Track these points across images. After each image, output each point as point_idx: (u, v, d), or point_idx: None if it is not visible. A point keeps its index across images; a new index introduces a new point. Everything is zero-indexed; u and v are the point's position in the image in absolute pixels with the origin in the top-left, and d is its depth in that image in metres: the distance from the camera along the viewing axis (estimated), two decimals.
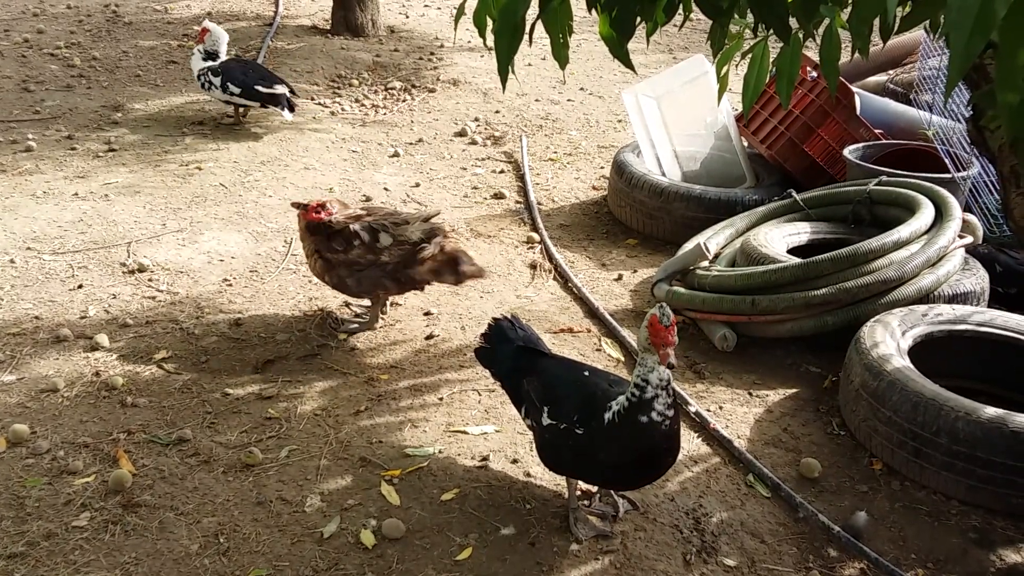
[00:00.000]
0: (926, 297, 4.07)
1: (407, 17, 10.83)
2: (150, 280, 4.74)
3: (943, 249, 4.15)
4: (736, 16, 2.60)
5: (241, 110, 7.11)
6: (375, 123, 7.49)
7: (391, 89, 8.32)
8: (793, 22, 2.31)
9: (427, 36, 10.04)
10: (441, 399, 3.87)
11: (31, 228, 5.21)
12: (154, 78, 8.11)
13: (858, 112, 5.64)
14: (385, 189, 6.14)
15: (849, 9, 2.27)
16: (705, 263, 4.60)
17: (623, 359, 4.23)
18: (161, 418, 3.65)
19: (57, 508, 3.13)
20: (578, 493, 3.20)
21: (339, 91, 8.20)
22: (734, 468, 3.49)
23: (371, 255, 4.11)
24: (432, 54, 9.39)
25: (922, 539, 3.15)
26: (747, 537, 3.13)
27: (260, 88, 6.71)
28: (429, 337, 4.35)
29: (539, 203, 6.05)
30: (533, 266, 5.16)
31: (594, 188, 6.42)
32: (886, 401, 3.40)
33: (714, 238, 4.80)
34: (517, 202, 6.11)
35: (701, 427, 3.71)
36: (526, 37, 2.58)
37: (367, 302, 4.48)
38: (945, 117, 5.46)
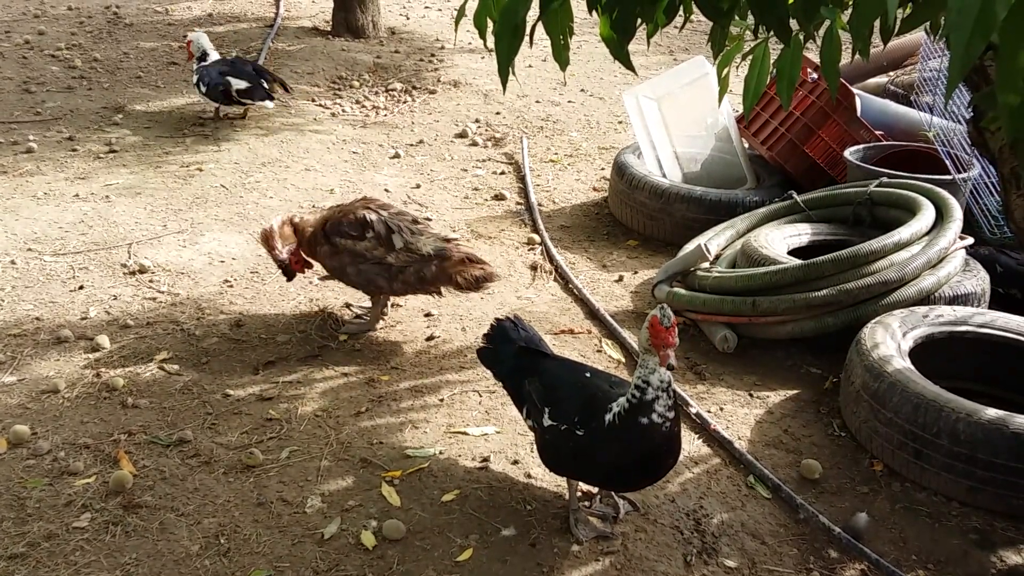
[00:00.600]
0: (927, 298, 4.07)
1: (408, 19, 10.84)
2: (151, 281, 4.74)
3: (944, 250, 4.15)
4: (737, 18, 2.60)
5: (239, 108, 7.16)
6: (376, 124, 7.50)
7: (392, 90, 8.33)
8: (793, 23, 2.31)
9: (428, 38, 10.05)
10: (442, 400, 3.87)
11: (32, 229, 5.21)
12: (155, 79, 8.11)
13: (859, 113, 5.64)
14: (386, 190, 6.14)
15: (850, 11, 2.27)
16: (706, 264, 4.60)
17: (624, 360, 4.23)
18: (162, 419, 3.65)
19: (58, 509, 3.13)
20: (579, 494, 3.20)
21: (340, 92, 8.20)
22: (735, 469, 3.49)
23: (379, 251, 4.10)
24: (433, 55, 9.40)
25: (923, 540, 3.15)
26: (748, 538, 3.13)
27: (222, 88, 6.82)
28: (430, 338, 4.35)
29: (540, 204, 6.05)
30: (534, 267, 5.16)
31: (595, 189, 6.42)
32: (887, 402, 3.40)
33: (715, 239, 4.80)
34: (518, 203, 6.11)
35: (702, 428, 3.71)
36: (527, 39, 2.59)
37: (368, 303, 4.48)
38: (946, 118, 5.46)
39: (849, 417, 3.70)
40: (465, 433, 3.64)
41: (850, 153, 5.29)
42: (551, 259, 5.24)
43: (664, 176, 5.79)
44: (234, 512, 3.15)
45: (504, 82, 2.59)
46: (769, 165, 5.92)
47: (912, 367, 3.53)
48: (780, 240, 4.64)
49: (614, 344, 4.35)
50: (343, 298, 4.63)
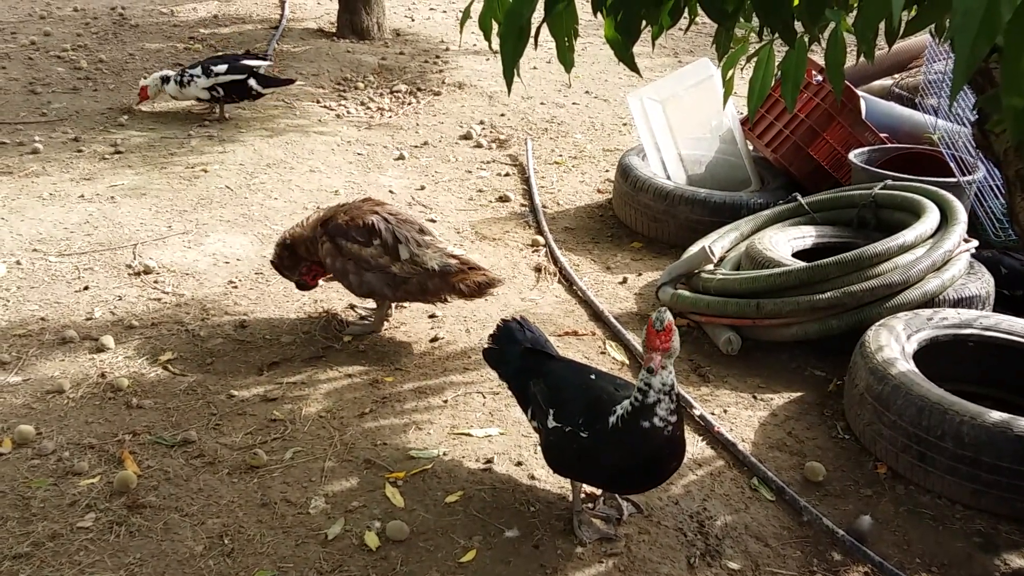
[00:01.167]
0: (931, 301, 4.06)
1: (412, 20, 10.85)
2: (156, 282, 4.75)
3: (948, 253, 4.15)
4: (741, 20, 2.60)
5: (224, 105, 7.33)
6: (380, 126, 7.50)
7: (396, 92, 8.34)
8: (798, 26, 2.32)
9: (432, 39, 10.06)
10: (446, 401, 3.87)
11: (37, 230, 5.22)
12: None
13: (863, 116, 5.65)
14: (390, 192, 6.15)
15: (854, 13, 2.27)
16: (710, 266, 4.60)
17: (627, 362, 4.23)
18: (166, 419, 3.66)
19: (62, 509, 3.14)
20: (582, 496, 3.20)
21: (344, 94, 8.22)
22: (738, 471, 3.48)
23: (384, 259, 4.10)
24: (437, 57, 9.41)
25: (926, 543, 3.15)
26: (751, 540, 3.13)
27: (246, 62, 7.00)
28: (434, 339, 4.36)
29: (544, 206, 6.06)
30: (538, 269, 5.16)
31: (599, 191, 6.43)
32: (891, 405, 3.40)
33: (719, 242, 4.80)
34: (522, 205, 6.11)
35: (705, 430, 3.71)
36: (531, 40, 2.59)
37: (372, 304, 4.48)
38: (950, 121, 5.46)
39: (853, 420, 3.70)
40: (469, 434, 3.64)
41: (855, 155, 5.29)
42: (555, 261, 5.24)
43: (668, 178, 5.80)
44: (238, 512, 3.16)
45: (509, 84, 2.59)
46: (773, 167, 5.92)
47: (916, 370, 3.53)
48: (784, 242, 4.64)
49: (618, 346, 4.36)
50: (347, 299, 4.63)
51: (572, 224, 5.88)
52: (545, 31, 2.50)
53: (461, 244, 5.39)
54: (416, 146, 7.09)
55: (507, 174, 6.64)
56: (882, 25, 2.21)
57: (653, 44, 2.85)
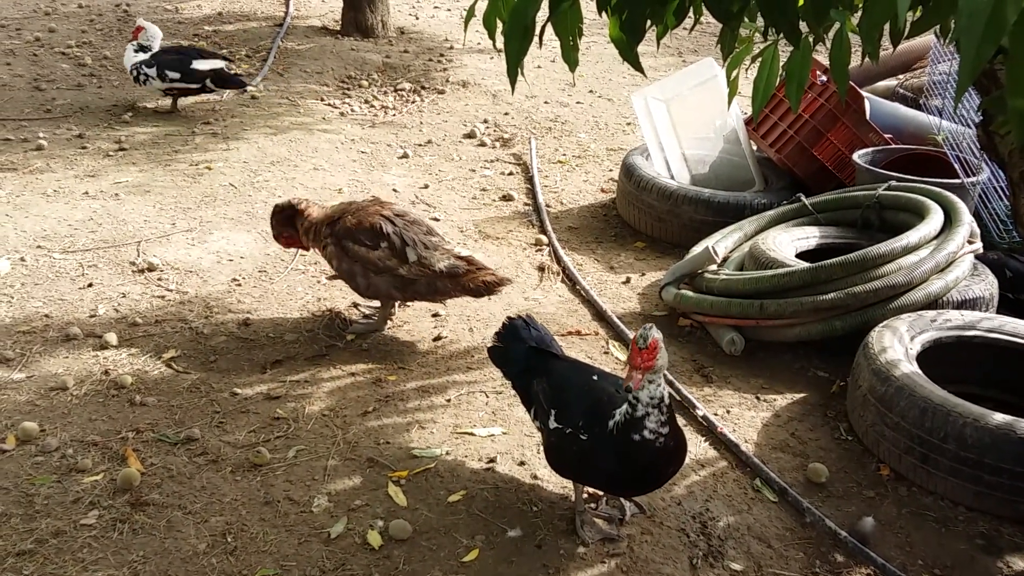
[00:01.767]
0: (935, 302, 4.06)
1: (417, 19, 10.85)
2: (159, 279, 4.76)
3: (952, 254, 4.14)
4: (746, 20, 2.60)
5: (182, 98, 7.36)
6: (384, 124, 7.51)
7: (400, 90, 8.34)
8: (803, 26, 2.31)
9: (437, 38, 10.06)
10: (449, 400, 3.87)
11: (41, 226, 5.23)
12: None
13: (868, 117, 5.64)
14: (394, 190, 6.15)
15: (859, 13, 2.27)
16: (713, 267, 4.60)
17: None
18: (169, 417, 3.66)
19: (66, 506, 3.14)
20: (585, 496, 3.20)
21: (349, 92, 8.21)
22: (741, 472, 3.48)
23: (391, 262, 4.11)
24: (442, 56, 9.41)
25: (929, 545, 3.14)
26: (754, 542, 3.13)
27: (198, 67, 6.94)
28: (437, 339, 4.36)
29: (547, 205, 6.05)
30: (541, 268, 5.16)
31: (603, 191, 6.42)
32: (894, 406, 3.39)
33: (722, 242, 4.80)
34: (526, 204, 6.11)
35: (708, 431, 3.71)
36: (536, 40, 2.59)
37: (376, 303, 4.48)
38: (955, 122, 5.45)
39: (856, 421, 3.70)
40: (472, 434, 3.64)
41: (859, 156, 5.28)
42: (559, 260, 5.24)
43: (672, 178, 5.79)
44: (241, 511, 3.16)
45: (513, 83, 2.59)
46: (777, 168, 5.92)
47: (919, 371, 3.53)
48: (788, 243, 4.64)
49: (621, 346, 4.35)
50: (351, 298, 4.63)
51: (576, 223, 5.87)
52: (549, 30, 2.50)
53: (465, 243, 5.39)
54: (420, 144, 7.09)
55: (511, 173, 6.64)
56: (887, 26, 2.20)
57: (658, 44, 2.84)
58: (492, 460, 3.47)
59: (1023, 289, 4.52)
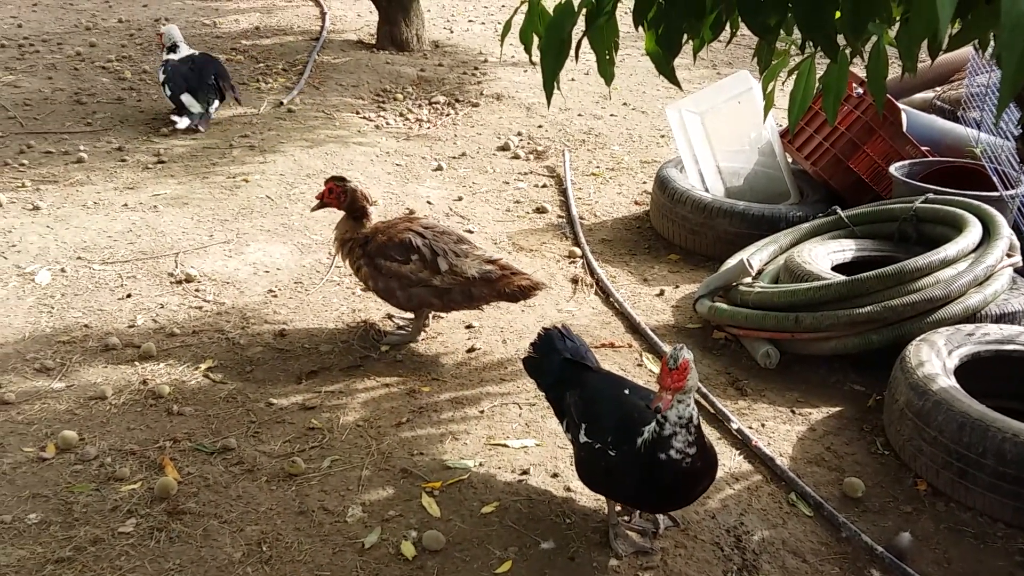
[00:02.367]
0: (973, 316, 4.02)
1: (451, 32, 10.91)
2: (197, 290, 4.81)
3: (990, 268, 4.10)
4: (783, 33, 2.60)
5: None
6: (419, 137, 7.55)
7: (435, 103, 8.38)
8: (841, 39, 2.31)
9: (471, 51, 10.11)
10: (482, 412, 3.88)
11: (82, 238, 5.31)
12: None
13: (904, 129, 5.60)
14: (428, 203, 6.19)
15: (897, 26, 2.26)
16: (748, 279, 4.58)
17: None
18: (206, 427, 3.70)
19: (104, 514, 3.18)
20: (618, 509, 3.19)
21: (384, 105, 8.27)
22: (776, 486, 3.46)
23: (424, 273, 4.14)
24: (476, 69, 9.45)
25: (967, 561, 3.11)
26: (789, 556, 3.10)
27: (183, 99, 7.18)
28: (470, 350, 4.37)
29: (581, 217, 6.06)
30: (575, 280, 5.17)
31: (636, 203, 6.42)
32: (931, 421, 3.36)
33: (757, 254, 4.78)
34: (559, 216, 6.12)
35: (743, 444, 3.69)
36: (572, 53, 2.60)
37: (410, 314, 4.50)
38: (993, 135, 5.40)
39: (893, 435, 3.66)
40: (505, 445, 3.65)
41: (896, 168, 5.24)
42: (592, 272, 5.24)
43: (707, 190, 5.78)
44: (276, 520, 3.19)
45: (549, 96, 2.61)
46: (813, 180, 5.89)
47: (957, 386, 3.49)
48: (824, 256, 4.61)
49: (654, 358, 4.34)
50: (385, 309, 4.66)
51: (609, 236, 5.87)
52: (585, 44, 2.51)
53: (496, 253, 5.40)
54: (454, 157, 7.12)
55: (544, 185, 6.65)
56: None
57: (695, 57, 2.85)
58: (525, 472, 3.48)
59: None
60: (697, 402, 3.93)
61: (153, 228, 5.50)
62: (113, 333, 4.34)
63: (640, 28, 2.60)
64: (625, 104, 8.78)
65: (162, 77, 7.20)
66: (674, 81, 2.69)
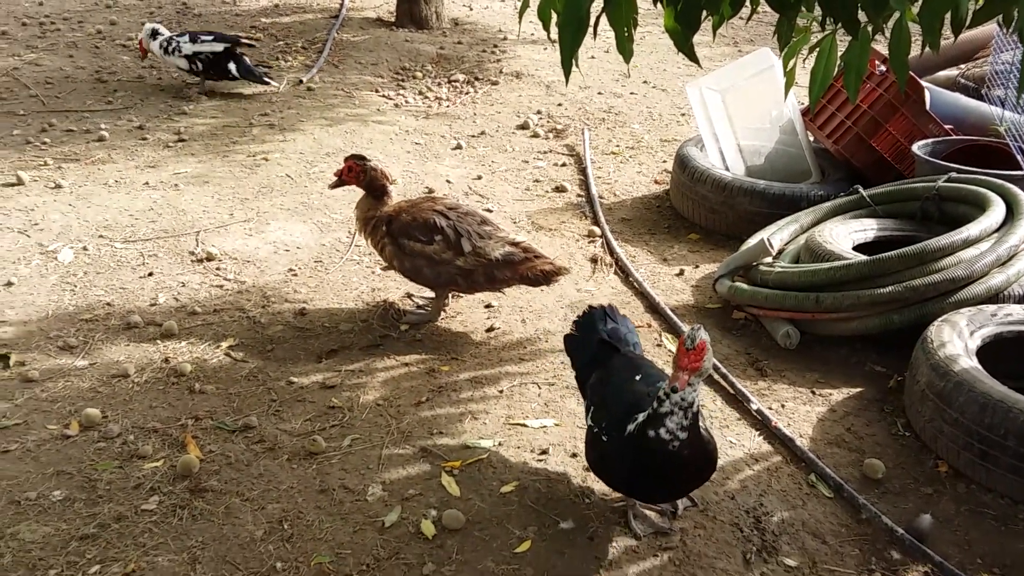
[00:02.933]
0: (995, 296, 3.98)
1: (471, 10, 10.87)
2: (218, 269, 4.83)
3: (1014, 248, 4.06)
4: (804, 9, 2.57)
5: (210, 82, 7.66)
6: (438, 115, 7.54)
7: (454, 82, 8.36)
8: (862, 16, 2.28)
9: (490, 29, 10.07)
10: (501, 391, 3.89)
11: (103, 216, 5.34)
12: None
13: (927, 107, 5.54)
14: (448, 181, 6.18)
15: (919, 3, 2.24)
16: (768, 259, 4.56)
17: None
18: (227, 405, 3.73)
19: (127, 491, 3.21)
20: None
21: (403, 83, 8.26)
22: (796, 467, 3.46)
23: (447, 254, 4.14)
24: (495, 47, 9.42)
25: (988, 543, 3.09)
26: (808, 537, 3.10)
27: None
28: (490, 329, 4.38)
29: (600, 197, 6.04)
30: (594, 260, 5.16)
31: (656, 182, 6.39)
32: (953, 402, 3.34)
33: (778, 234, 4.75)
34: (578, 195, 6.10)
35: (763, 425, 3.68)
36: (590, 30, 2.59)
37: (429, 293, 4.51)
38: (1018, 113, 5.33)
39: (914, 416, 3.65)
40: (524, 425, 3.66)
41: (918, 147, 5.19)
42: (611, 252, 5.23)
43: (727, 169, 5.75)
44: (297, 498, 3.21)
45: (567, 74, 2.60)
46: (834, 159, 5.84)
47: (979, 367, 3.47)
48: (845, 235, 4.58)
49: (674, 338, 4.34)
50: (404, 288, 4.67)
51: (629, 215, 5.85)
52: (604, 21, 2.50)
53: (518, 234, 5.39)
54: (473, 136, 7.11)
55: (564, 164, 6.63)
56: (948, 15, 2.17)
57: (714, 34, 2.82)
58: (544, 452, 3.49)
59: None
60: (716, 382, 3.95)
61: (174, 206, 5.52)
62: (135, 311, 4.37)
63: (659, 4, 2.58)
64: (645, 82, 8.72)
65: (184, 48, 7.29)
66: (693, 58, 2.67)
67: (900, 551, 3.04)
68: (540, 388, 3.92)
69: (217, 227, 5.30)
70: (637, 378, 2.99)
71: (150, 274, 4.74)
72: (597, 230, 5.50)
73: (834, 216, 4.91)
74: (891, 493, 3.33)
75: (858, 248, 4.55)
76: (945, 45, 6.54)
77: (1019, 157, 4.87)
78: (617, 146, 7.04)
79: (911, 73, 5.10)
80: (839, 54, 2.63)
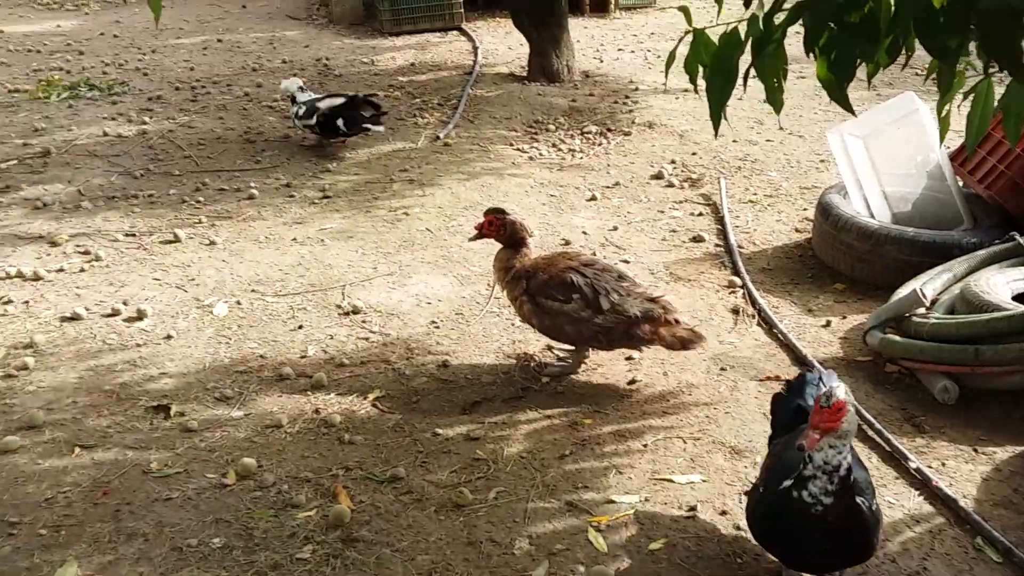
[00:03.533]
0: None
1: (601, 62, 10.95)
2: (363, 321, 4.96)
3: None
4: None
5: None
6: (572, 167, 7.59)
7: (587, 133, 8.42)
8: None
9: (621, 80, 10.11)
10: (645, 445, 3.85)
11: (255, 271, 5.56)
12: None
13: None
14: (584, 232, 6.20)
15: None
16: (922, 310, 4.39)
17: None
18: (376, 456, 3.80)
19: (282, 540, 3.30)
20: None
21: (536, 136, 8.36)
22: (960, 530, 3.29)
23: (586, 313, 4.15)
24: (627, 97, 9.45)
25: None
26: None
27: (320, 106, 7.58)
28: (632, 382, 4.35)
29: (739, 246, 5.95)
30: (735, 311, 5.07)
31: (796, 231, 6.26)
32: None
33: (930, 284, 4.58)
34: (717, 245, 6.03)
35: (923, 484, 3.53)
36: (740, 82, 2.58)
37: (570, 346, 4.51)
38: None
39: None
40: (671, 480, 3.61)
41: None
42: (754, 303, 5.13)
43: (872, 216, 5.59)
44: (446, 550, 3.23)
45: (716, 126, 2.60)
46: (987, 205, 5.61)
47: None
48: (1003, 284, 4.38)
49: None
50: (544, 340, 4.68)
51: (769, 264, 5.75)
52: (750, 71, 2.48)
53: (655, 286, 5.36)
54: (607, 186, 7.12)
55: (700, 214, 6.57)
56: None
57: (869, 82, 2.78)
58: (692, 508, 3.42)
59: None
60: (871, 439, 3.80)
61: (321, 261, 5.71)
62: (287, 363, 4.51)
63: (811, 55, 2.55)
64: (781, 129, 8.59)
65: (302, 111, 7.59)
66: (848, 107, 2.63)
67: None
68: (685, 443, 3.86)
69: (362, 281, 5.45)
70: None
71: (300, 327, 4.90)
72: (737, 280, 5.42)
73: (990, 264, 4.71)
74: None
75: (1017, 298, 4.35)
76: None
77: None
78: (755, 194, 6.94)
79: None
80: (996, 99, 2.55)
